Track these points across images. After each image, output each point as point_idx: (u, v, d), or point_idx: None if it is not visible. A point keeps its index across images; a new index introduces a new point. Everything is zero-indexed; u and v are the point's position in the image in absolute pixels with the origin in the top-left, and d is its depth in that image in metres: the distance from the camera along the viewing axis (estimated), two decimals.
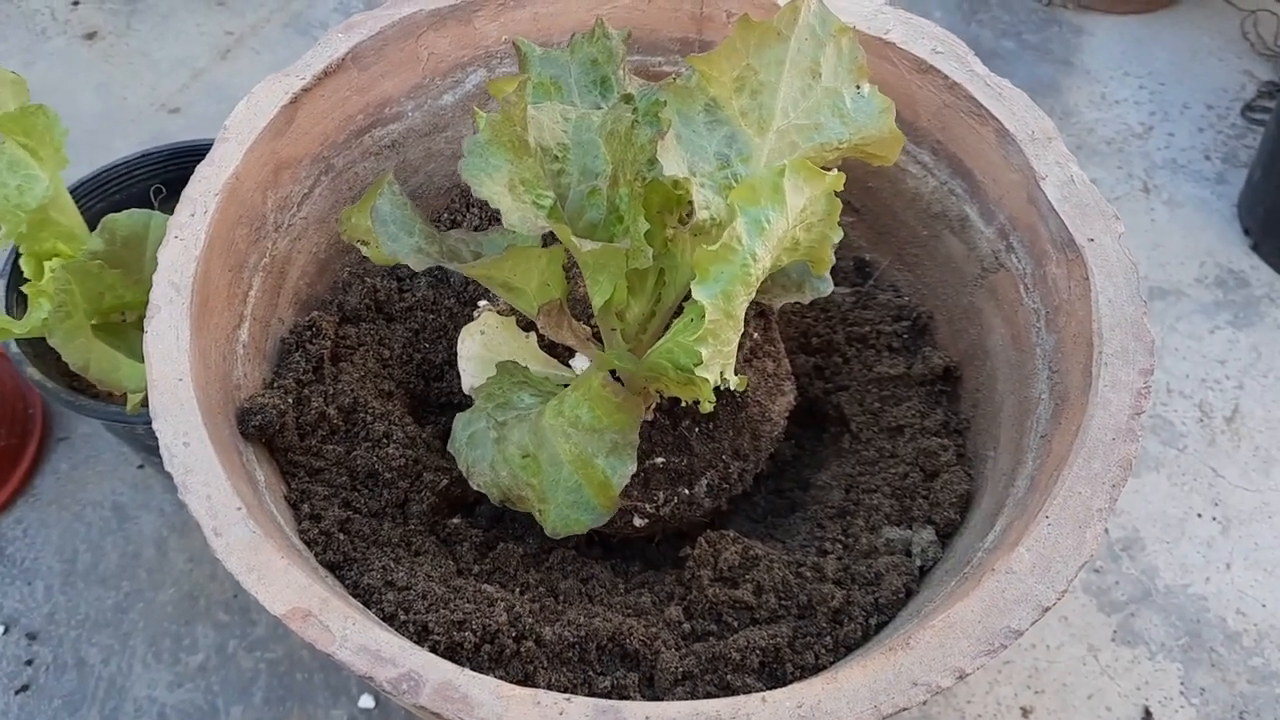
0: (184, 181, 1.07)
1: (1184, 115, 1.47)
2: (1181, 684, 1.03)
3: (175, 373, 0.64)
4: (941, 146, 0.82)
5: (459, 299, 0.87)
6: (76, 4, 1.54)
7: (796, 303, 0.77)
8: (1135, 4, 1.58)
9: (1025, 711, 1.01)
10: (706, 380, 0.62)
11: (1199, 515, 1.13)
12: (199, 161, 1.06)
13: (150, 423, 0.92)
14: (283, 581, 0.58)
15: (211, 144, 1.07)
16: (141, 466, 1.13)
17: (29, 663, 1.02)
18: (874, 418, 0.82)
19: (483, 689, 0.55)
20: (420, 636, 0.64)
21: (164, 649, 1.02)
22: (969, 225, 0.82)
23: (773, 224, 0.58)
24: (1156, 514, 1.13)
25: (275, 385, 0.75)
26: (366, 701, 1.00)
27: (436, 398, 0.85)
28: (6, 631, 1.03)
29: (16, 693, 1.00)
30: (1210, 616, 1.07)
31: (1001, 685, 1.02)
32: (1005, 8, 1.60)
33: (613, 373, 0.71)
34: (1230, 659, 1.04)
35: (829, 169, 0.61)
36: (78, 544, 1.08)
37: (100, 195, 1.05)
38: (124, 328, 0.96)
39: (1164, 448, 1.17)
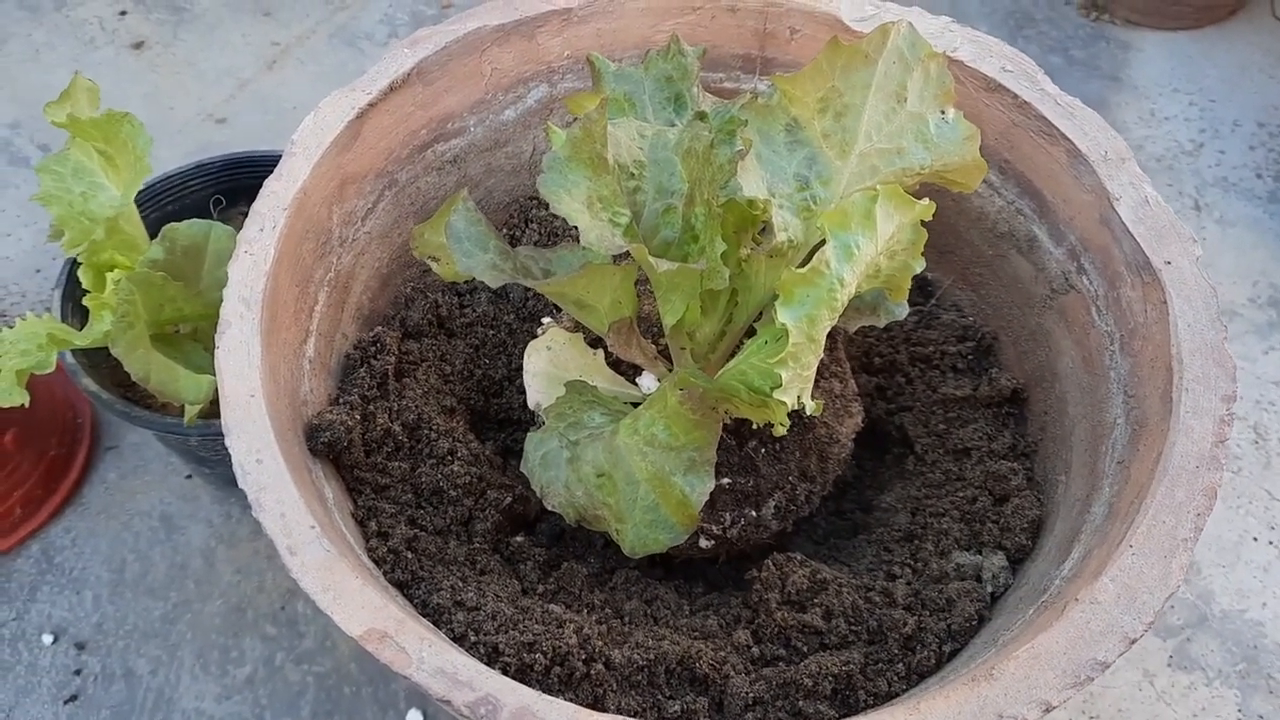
0: (240, 192, 1.08)
1: (1235, 133, 1.45)
2: (1239, 710, 1.02)
3: (247, 389, 0.64)
4: (1009, 165, 0.81)
5: (518, 314, 0.87)
6: (124, 14, 1.55)
7: (872, 327, 0.76)
8: (1184, 20, 1.57)
9: None
10: (783, 403, 0.61)
11: (1255, 539, 1.12)
12: (253, 172, 1.07)
13: (203, 434, 0.92)
14: (358, 602, 0.57)
15: (263, 155, 1.08)
16: (189, 477, 1.13)
17: (77, 672, 1.01)
18: (939, 439, 0.81)
19: (560, 714, 0.54)
20: (491, 658, 0.63)
21: (211, 661, 1.02)
22: (1037, 245, 0.81)
23: (862, 250, 0.58)
24: (1212, 537, 1.12)
25: (341, 401, 0.75)
26: (414, 717, 0.99)
27: (496, 414, 0.85)
28: (56, 641, 1.03)
29: (65, 702, 1.00)
30: (1267, 642, 1.05)
31: (1057, 711, 1.01)
32: (1052, 23, 1.59)
33: None
34: None
35: (918, 197, 0.61)
36: (126, 554, 1.08)
37: (155, 205, 1.06)
38: (179, 339, 0.96)
39: None
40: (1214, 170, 1.42)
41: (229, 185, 1.09)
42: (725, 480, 0.72)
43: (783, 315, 0.58)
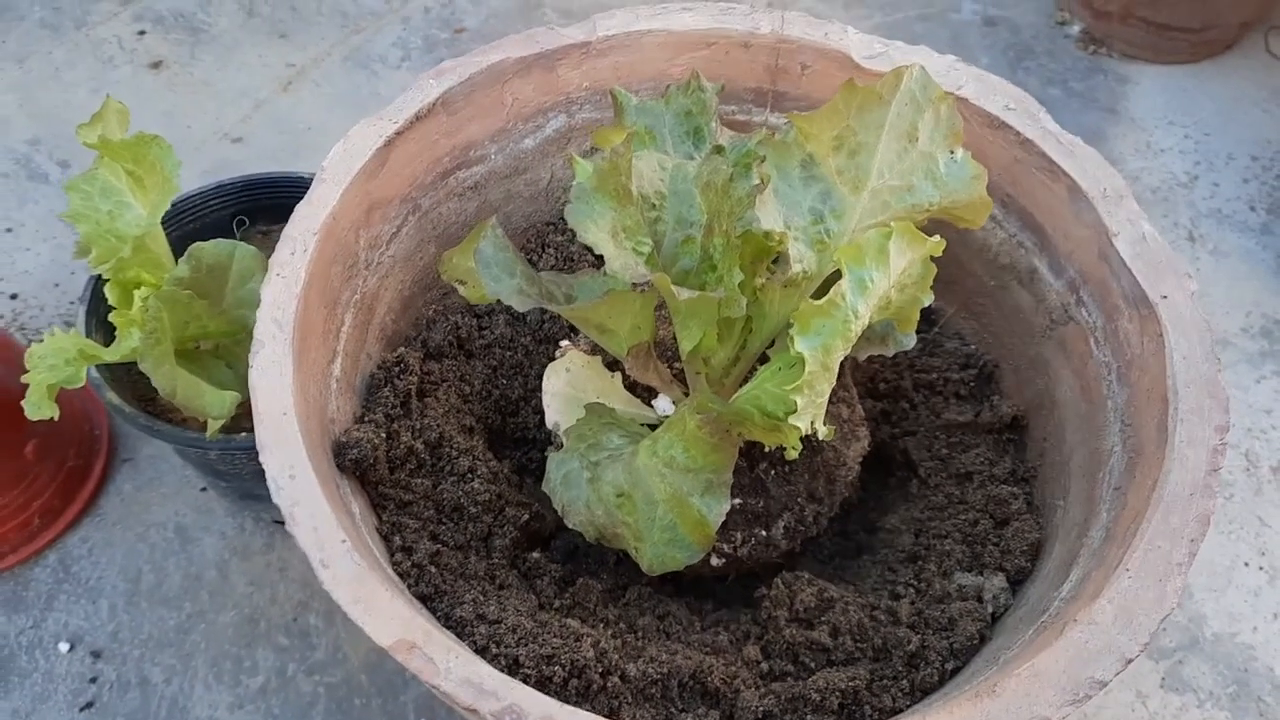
0: (259, 212, 1.11)
1: (1229, 165, 1.49)
2: None
3: (280, 407, 0.67)
4: (1012, 200, 0.84)
5: (534, 337, 0.89)
6: (143, 34, 1.58)
7: (880, 355, 0.79)
8: (1181, 54, 1.60)
9: None
10: (797, 428, 0.64)
11: (1246, 564, 1.15)
12: (271, 192, 1.10)
13: (224, 448, 0.95)
14: (388, 613, 0.60)
15: (282, 176, 1.11)
16: (204, 490, 1.15)
17: (93, 680, 1.03)
18: (942, 464, 0.84)
19: None
20: (512, 669, 0.66)
21: (225, 670, 1.04)
22: (1038, 278, 0.83)
23: (875, 284, 0.60)
24: (1204, 562, 1.14)
25: (366, 419, 0.77)
26: None
27: (512, 433, 0.87)
28: (72, 649, 1.05)
29: (81, 709, 1.02)
30: (1258, 665, 1.08)
31: None
32: (1051, 56, 1.63)
33: None
34: (1278, 708, 1.05)
35: (928, 234, 0.63)
36: (141, 564, 1.10)
37: (175, 224, 1.08)
38: (201, 355, 0.99)
39: None
40: (1208, 202, 1.45)
41: (248, 205, 1.11)
42: (736, 501, 0.75)
43: (800, 344, 0.61)
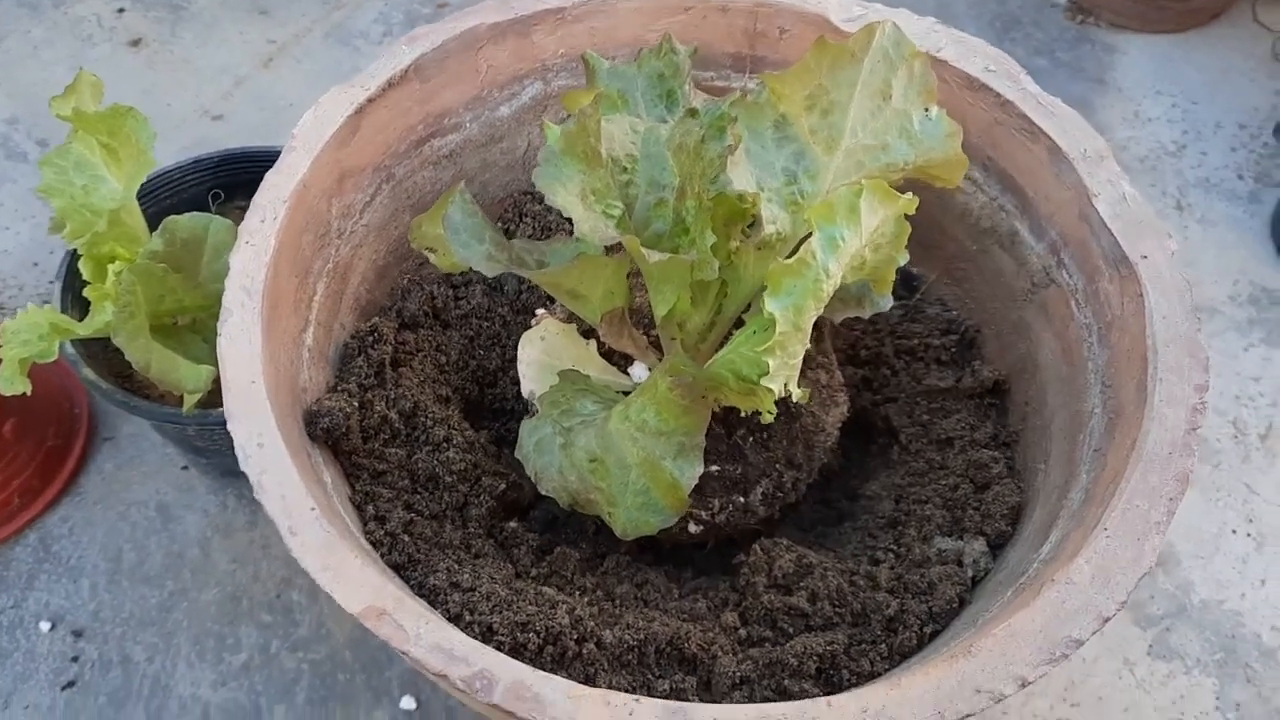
0: (237, 186, 1.10)
1: (1216, 134, 1.48)
2: (1217, 699, 1.04)
3: (249, 375, 0.66)
4: (992, 163, 0.83)
5: (512, 307, 0.88)
6: (122, 11, 1.56)
7: (858, 320, 0.78)
8: (1168, 23, 1.59)
9: None
10: (770, 391, 0.63)
11: (1233, 531, 1.14)
12: (249, 167, 1.09)
13: (201, 424, 0.94)
14: (357, 580, 0.59)
15: (260, 150, 1.10)
16: (186, 468, 1.14)
17: (75, 659, 1.03)
18: (923, 429, 0.84)
19: (554, 689, 0.56)
20: (486, 637, 0.65)
21: (208, 648, 1.04)
22: (1019, 241, 0.83)
23: (847, 242, 0.60)
24: (1191, 530, 1.14)
25: (339, 389, 0.77)
26: (408, 703, 1.01)
27: (490, 403, 0.86)
28: (53, 628, 1.04)
29: (63, 689, 1.01)
30: (1245, 632, 1.08)
31: (1037, 698, 1.03)
32: (1038, 26, 1.62)
33: None
34: (1266, 675, 1.05)
35: (901, 191, 0.63)
36: (122, 543, 1.10)
37: (152, 200, 1.07)
38: (178, 330, 0.98)
39: (1198, 464, 1.18)
40: (1196, 171, 1.44)
41: (226, 180, 1.10)
42: (714, 467, 0.74)
43: (770, 305, 0.60)
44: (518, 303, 0.88)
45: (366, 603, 0.58)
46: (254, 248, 0.71)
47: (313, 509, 0.61)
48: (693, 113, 0.71)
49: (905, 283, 0.92)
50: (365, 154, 0.81)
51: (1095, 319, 0.75)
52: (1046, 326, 0.81)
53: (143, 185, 1.06)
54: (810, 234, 0.62)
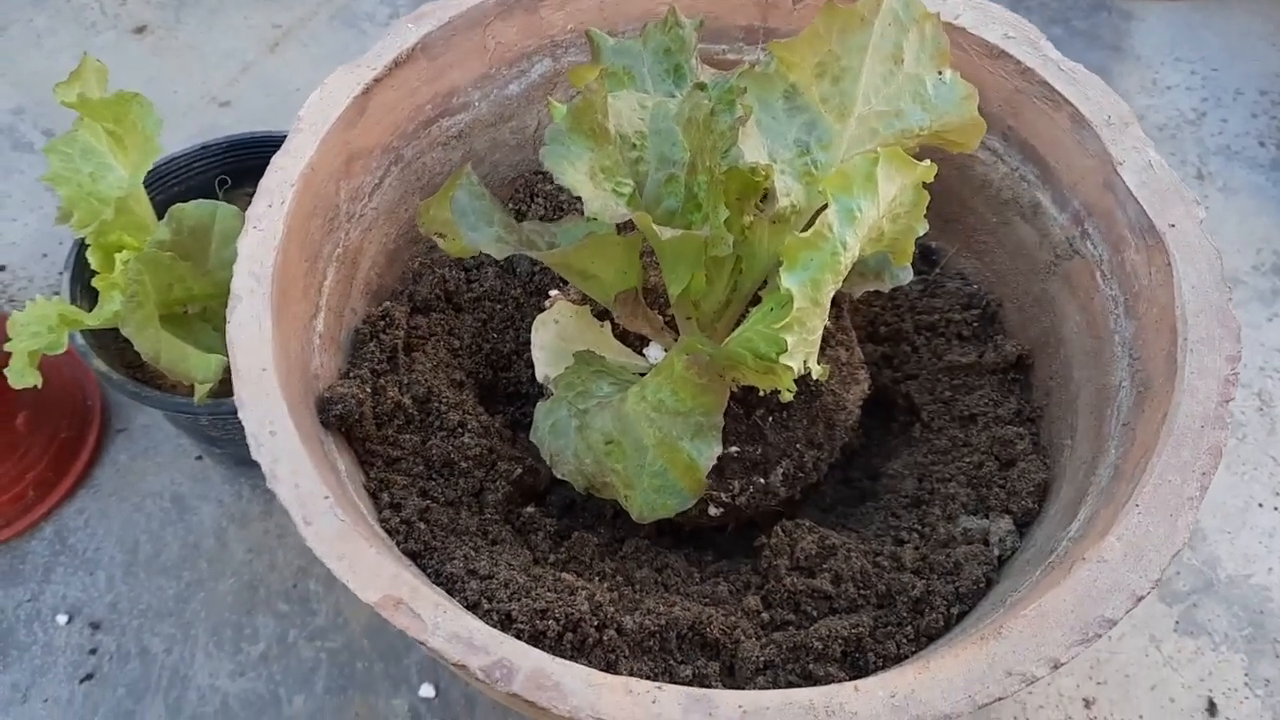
0: (245, 173, 1.09)
1: (1237, 101, 1.45)
2: (1246, 675, 1.02)
3: (259, 363, 0.65)
4: (1013, 132, 0.81)
5: (525, 289, 0.87)
6: None
7: (875, 291, 0.76)
8: None
9: (1088, 703, 1.01)
10: (789, 368, 0.61)
11: (1260, 505, 1.12)
12: (257, 152, 1.08)
13: (213, 413, 0.93)
14: (373, 570, 0.58)
15: (268, 135, 1.08)
16: (200, 458, 1.13)
17: (93, 652, 1.02)
18: (945, 406, 0.82)
19: (575, 677, 0.55)
20: (504, 624, 0.64)
21: (225, 638, 1.03)
22: (1041, 212, 0.81)
23: (864, 213, 0.58)
24: (1217, 504, 1.12)
25: (351, 375, 0.76)
26: (427, 691, 1.00)
27: (504, 387, 0.85)
28: (70, 621, 1.04)
29: (81, 681, 1.01)
30: (1274, 607, 1.06)
31: (1063, 676, 1.02)
32: None
33: None
34: None
35: (917, 159, 0.61)
36: (138, 534, 1.09)
37: (160, 187, 1.06)
38: (187, 319, 0.97)
39: None
40: (1217, 139, 1.41)
41: (234, 166, 1.09)
42: (733, 448, 0.73)
43: (786, 280, 0.58)
44: (531, 284, 0.87)
45: (383, 592, 0.57)
46: (262, 233, 0.70)
47: (327, 497, 0.60)
48: (701, 86, 0.69)
49: (925, 257, 0.90)
50: (373, 135, 0.79)
51: (1121, 290, 0.73)
52: (1071, 299, 0.79)
53: (150, 172, 1.05)
54: (825, 205, 0.61)
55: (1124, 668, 1.02)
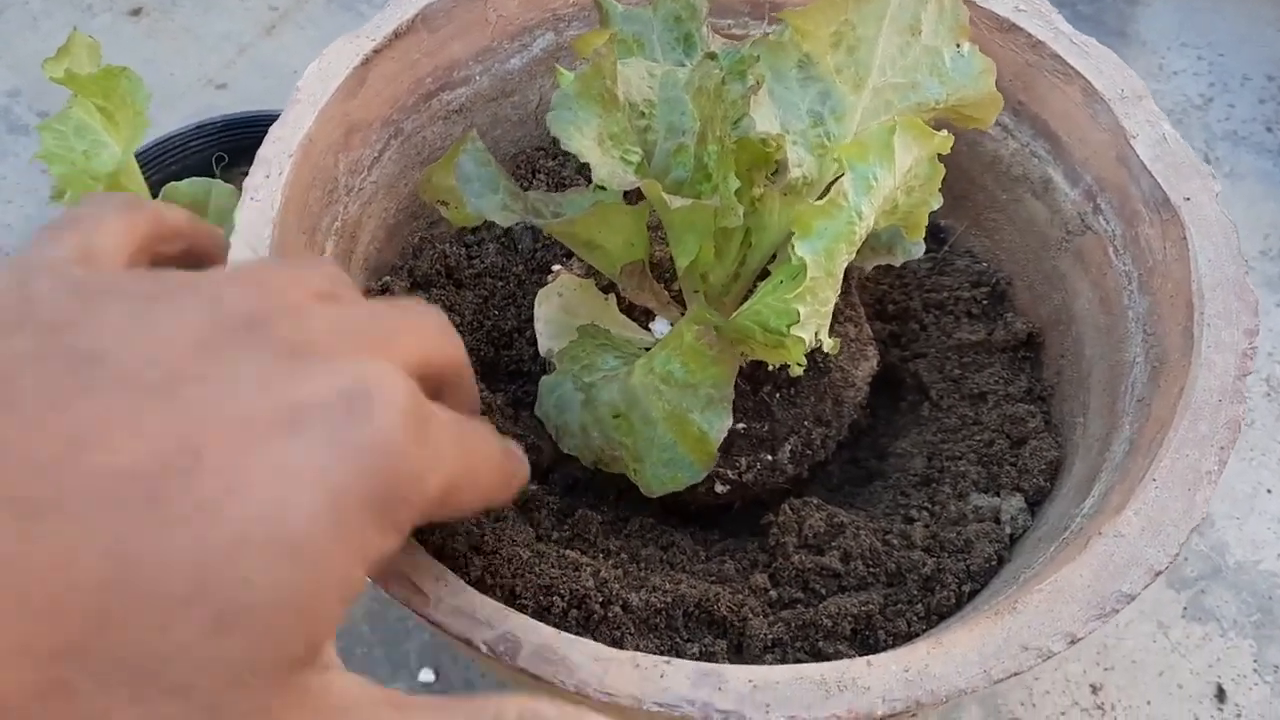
0: (241, 152, 1.07)
1: (1244, 87, 1.44)
2: (1255, 661, 1.01)
3: None
4: (1024, 107, 0.80)
5: (527, 265, 0.86)
6: None
7: (888, 266, 0.75)
8: None
9: (1095, 688, 1.00)
10: (800, 340, 0.60)
11: (1269, 491, 1.11)
12: (254, 132, 1.06)
13: None
14: None
15: (265, 114, 1.07)
16: None
17: None
18: (955, 385, 0.81)
19: (582, 652, 0.54)
20: (508, 601, 0.63)
21: None
22: (1052, 188, 0.80)
23: (880, 182, 0.57)
24: (1225, 490, 1.11)
25: None
26: (427, 675, 0.99)
27: (505, 365, 0.84)
28: None
29: None
30: None
31: (1070, 662, 1.01)
32: None
33: None
34: None
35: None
36: None
37: (157, 167, 1.05)
38: None
39: None
40: (1224, 124, 1.40)
41: (230, 146, 1.08)
42: (740, 425, 0.71)
43: (800, 249, 0.57)
44: (533, 261, 0.85)
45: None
46: (259, 204, 0.69)
47: None
48: (711, 56, 0.67)
49: (933, 235, 0.89)
50: (373, 107, 0.78)
51: (1135, 265, 0.72)
52: (1082, 276, 0.78)
53: (145, 151, 1.04)
54: (837, 178, 0.60)
55: (1131, 653, 1.01)
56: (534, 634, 0.54)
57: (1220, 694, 1.00)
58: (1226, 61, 1.47)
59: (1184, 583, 1.05)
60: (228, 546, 0.31)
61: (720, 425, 0.64)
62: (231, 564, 0.31)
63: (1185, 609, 1.04)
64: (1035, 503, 0.73)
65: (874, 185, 0.58)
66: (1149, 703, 0.99)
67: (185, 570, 0.31)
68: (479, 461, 0.44)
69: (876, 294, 0.86)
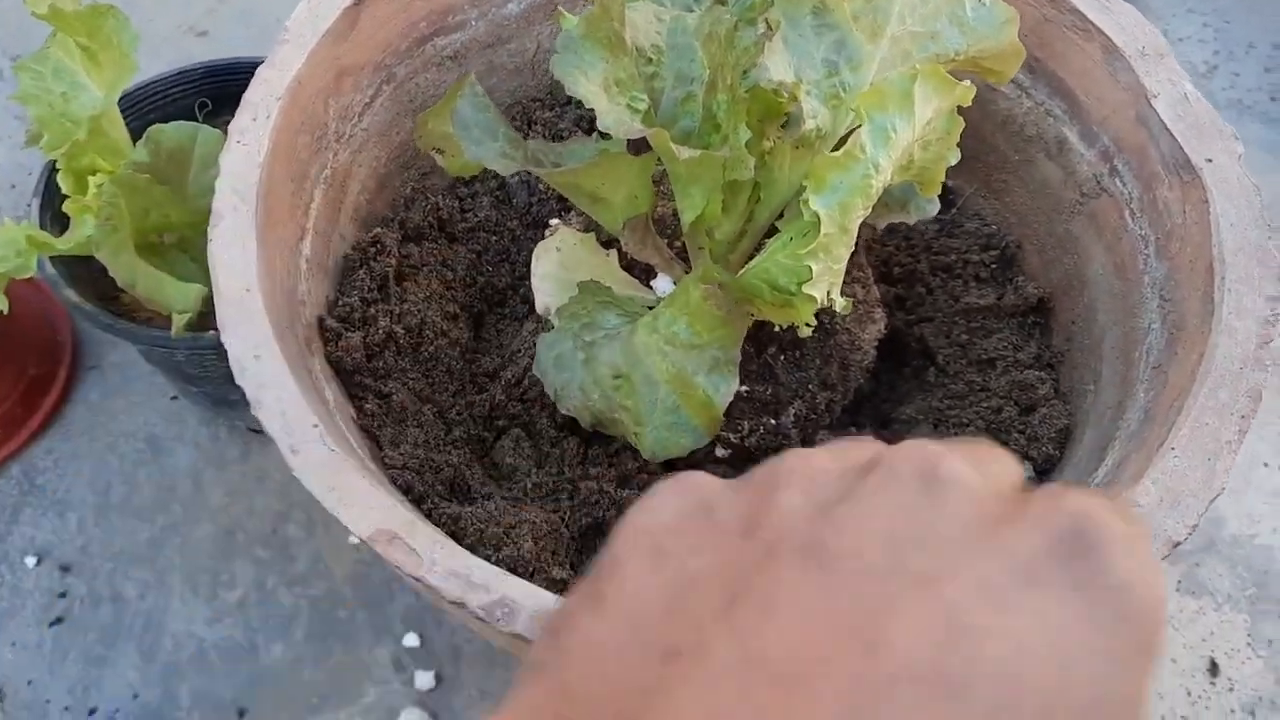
0: (224, 100, 1.03)
1: (1249, 54, 1.42)
2: (1249, 635, 1.00)
3: (242, 283, 0.60)
4: (1039, 64, 0.78)
5: (522, 221, 0.83)
6: None
7: (896, 225, 0.72)
8: None
9: None
10: (811, 299, 0.58)
11: (1265, 465, 1.10)
12: (237, 78, 1.02)
13: (191, 348, 0.88)
14: (366, 502, 0.54)
15: (248, 60, 1.03)
16: (175, 398, 1.09)
17: (62, 595, 0.99)
18: (962, 350, 0.78)
19: None
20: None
21: (201, 584, 0.99)
22: (1067, 148, 0.77)
23: (899, 134, 0.54)
24: None
25: (340, 303, 0.71)
26: (411, 640, 0.97)
27: (498, 323, 0.81)
28: (39, 563, 1.00)
29: (51, 625, 0.97)
30: (1278, 567, 1.04)
31: None
32: None
33: None
34: None
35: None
36: (110, 476, 1.05)
37: (136, 113, 1.01)
38: (165, 248, 0.92)
39: None
40: (1228, 93, 1.38)
41: (212, 93, 1.04)
42: (743, 388, 0.69)
43: (815, 202, 0.55)
44: (528, 216, 0.83)
45: (376, 525, 0.53)
46: (246, 148, 0.65)
47: (315, 425, 0.56)
48: (722, 2, 0.65)
49: (942, 196, 0.85)
50: (364, 51, 0.75)
51: (1152, 229, 0.70)
52: (1096, 240, 0.75)
53: (126, 98, 1.00)
54: (852, 131, 0.57)
55: None
56: (532, 598, 0.52)
57: (1213, 668, 0.99)
58: (1232, 29, 1.45)
59: (1178, 556, 1.04)
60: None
61: (726, 389, 0.62)
62: None
63: (1180, 582, 1.03)
64: (1044, 471, 0.71)
65: (892, 137, 0.55)
66: None
67: None
68: None
69: (882, 255, 0.83)
